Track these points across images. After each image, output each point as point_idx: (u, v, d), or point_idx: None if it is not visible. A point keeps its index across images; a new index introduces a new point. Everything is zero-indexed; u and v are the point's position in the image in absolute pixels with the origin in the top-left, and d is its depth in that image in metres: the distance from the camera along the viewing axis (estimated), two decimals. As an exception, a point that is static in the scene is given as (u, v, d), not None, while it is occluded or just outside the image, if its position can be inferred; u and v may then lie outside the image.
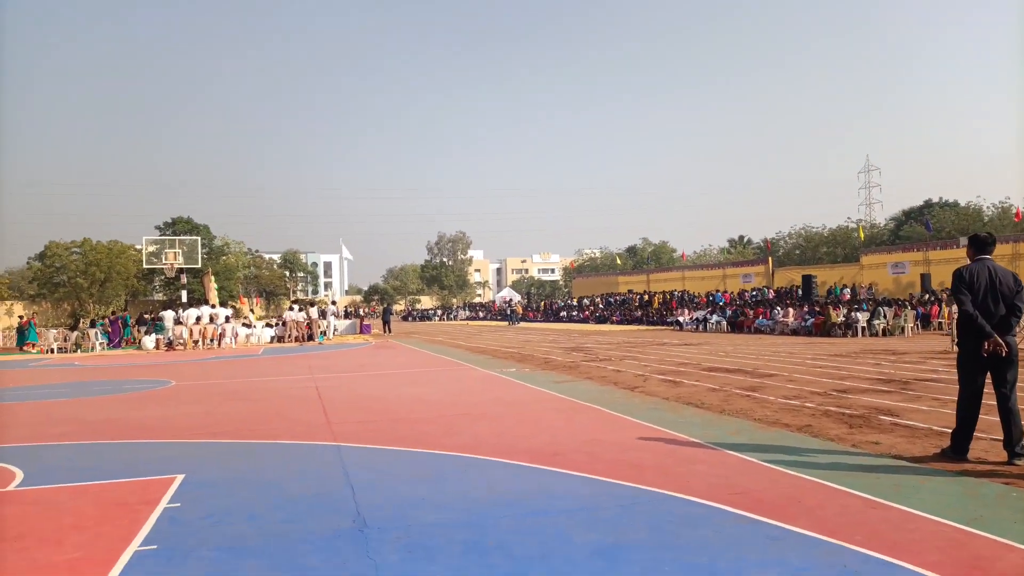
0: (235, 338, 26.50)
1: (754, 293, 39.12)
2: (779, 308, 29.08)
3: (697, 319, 32.24)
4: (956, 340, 6.04)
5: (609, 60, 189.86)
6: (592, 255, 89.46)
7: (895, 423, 7.42)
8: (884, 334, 23.83)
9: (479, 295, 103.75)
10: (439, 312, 71.25)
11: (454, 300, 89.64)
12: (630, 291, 53.02)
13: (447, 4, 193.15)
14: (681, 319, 33.56)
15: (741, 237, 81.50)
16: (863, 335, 23.54)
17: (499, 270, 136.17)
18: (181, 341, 25.42)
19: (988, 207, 54.26)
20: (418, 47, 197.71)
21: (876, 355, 15.71)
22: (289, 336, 27.97)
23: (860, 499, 4.71)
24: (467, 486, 5.37)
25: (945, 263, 38.09)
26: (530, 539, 4.13)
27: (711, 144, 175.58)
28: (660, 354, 17.46)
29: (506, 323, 46.75)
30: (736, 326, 29.52)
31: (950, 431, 6.75)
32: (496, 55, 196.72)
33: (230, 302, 42.06)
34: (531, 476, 5.64)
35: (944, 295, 31.33)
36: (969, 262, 5.98)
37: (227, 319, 26.95)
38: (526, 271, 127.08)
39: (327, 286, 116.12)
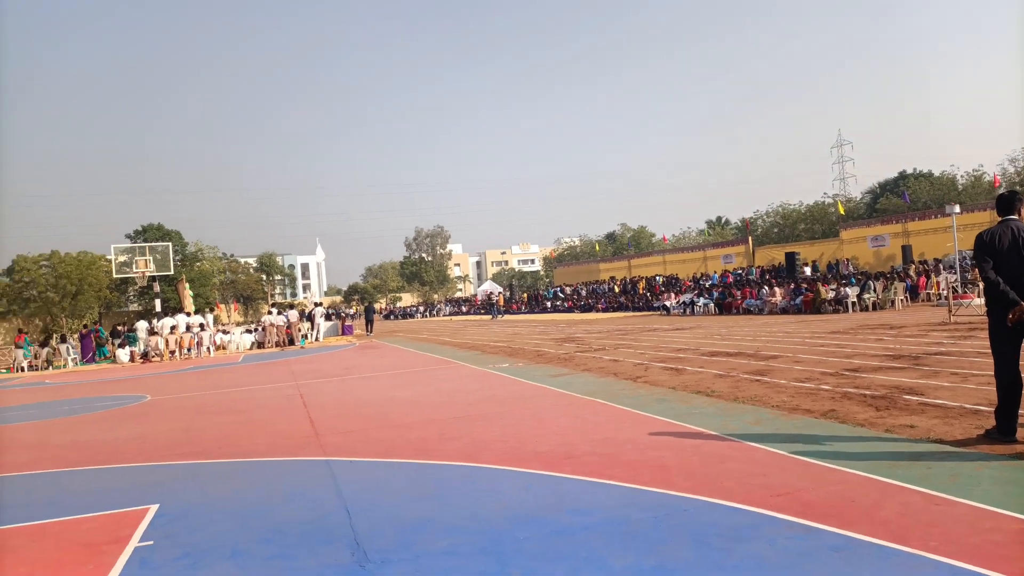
0: (213, 346, 25.67)
1: (738, 273, 38.84)
2: (766, 287, 28.79)
3: (684, 302, 31.90)
4: (987, 309, 5.57)
5: (575, 45, 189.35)
6: (572, 243, 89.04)
7: (923, 403, 6.96)
8: (874, 308, 23.60)
9: (460, 289, 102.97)
10: (421, 309, 70.49)
11: (435, 296, 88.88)
12: (612, 278, 52.67)
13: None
14: (668, 303, 33.20)
15: (719, 218, 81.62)
16: (853, 310, 23.29)
17: (479, 263, 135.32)
18: (156, 352, 24.54)
19: (961, 175, 54.64)
20: (385, 42, 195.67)
21: (874, 330, 15.37)
22: (269, 341, 27.17)
23: (919, 494, 4.22)
24: (476, 501, 4.81)
25: (925, 233, 38.11)
26: (559, 565, 3.57)
27: (683, 125, 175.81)
28: (654, 340, 17.00)
29: (489, 316, 46.17)
30: (724, 307, 29.20)
31: (985, 409, 6.35)
32: (464, 47, 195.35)
33: (207, 309, 41.07)
34: (546, 485, 5.08)
35: (928, 267, 31.24)
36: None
37: (203, 326, 26.09)
38: (506, 263, 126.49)
39: (305, 288, 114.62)
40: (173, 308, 37.66)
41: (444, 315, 63.08)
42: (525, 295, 61.14)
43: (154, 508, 5.20)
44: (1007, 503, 3.95)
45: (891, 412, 6.65)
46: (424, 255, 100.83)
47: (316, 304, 33.92)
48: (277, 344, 26.96)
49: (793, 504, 4.21)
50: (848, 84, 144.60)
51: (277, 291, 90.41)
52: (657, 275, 47.78)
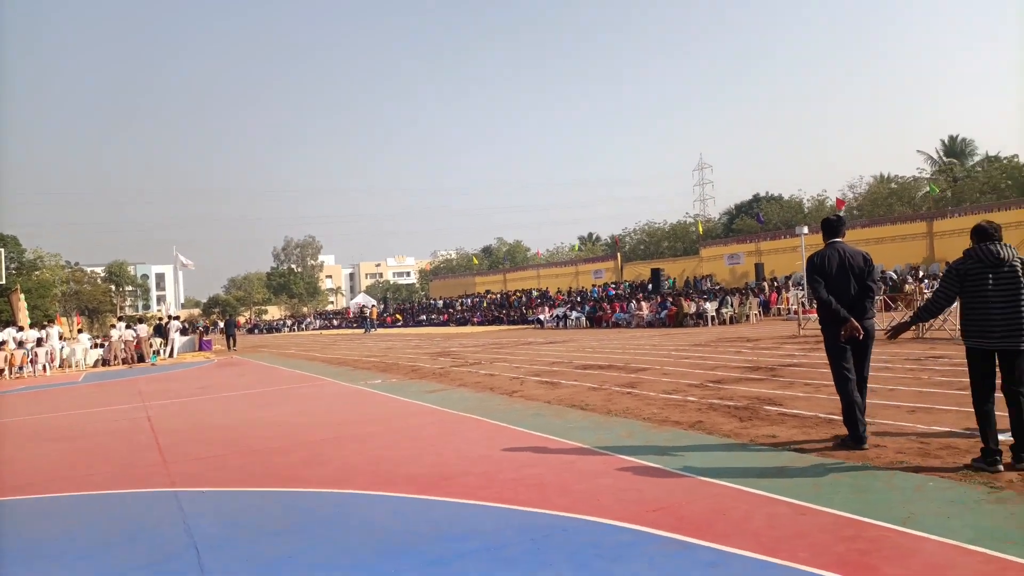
0: (51, 363, 23.23)
1: (610, 288, 40.12)
2: (634, 302, 29.89)
3: (557, 316, 32.51)
4: (821, 327, 5.96)
5: (447, 56, 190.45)
6: (448, 256, 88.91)
7: (783, 413, 7.31)
8: (731, 322, 25.06)
9: (332, 302, 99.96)
10: (289, 322, 67.70)
11: (305, 309, 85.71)
12: (488, 291, 52.97)
13: None
14: (542, 317, 33.73)
15: (590, 234, 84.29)
16: (713, 324, 24.60)
17: (352, 275, 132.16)
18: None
19: (808, 200, 59.59)
20: (251, 39, 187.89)
21: (733, 343, 16.23)
22: (116, 358, 24.96)
23: (786, 505, 4.33)
24: (344, 532, 4.46)
25: (775, 252, 41.14)
26: (433, 601, 3.33)
27: (557, 145, 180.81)
28: (530, 354, 17.09)
29: (362, 330, 45.02)
30: (595, 321, 30.02)
31: (838, 418, 6.73)
32: (337, 49, 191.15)
33: (44, 322, 37.26)
34: (420, 510, 4.82)
35: (779, 283, 33.67)
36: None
37: (39, 342, 23.56)
38: (381, 275, 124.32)
39: (160, 300, 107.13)
40: (4, 321, 33.93)
41: (314, 329, 60.89)
42: (395, 308, 60.22)
43: (-41, 557, 4.45)
44: (865, 510, 4.12)
45: (753, 423, 6.92)
46: (293, 266, 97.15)
47: (171, 317, 31.61)
48: (124, 361, 24.82)
49: (668, 519, 4.20)
50: (710, 110, 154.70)
51: (128, 303, 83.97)
52: (532, 289, 48.55)
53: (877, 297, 5.83)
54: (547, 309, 35.14)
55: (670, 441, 6.38)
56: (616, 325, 28.45)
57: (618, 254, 54.00)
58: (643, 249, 65.23)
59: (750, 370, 10.93)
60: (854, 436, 5.63)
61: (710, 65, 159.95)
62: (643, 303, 28.89)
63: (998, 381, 4.91)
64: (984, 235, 4.96)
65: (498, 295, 49.64)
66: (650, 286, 36.30)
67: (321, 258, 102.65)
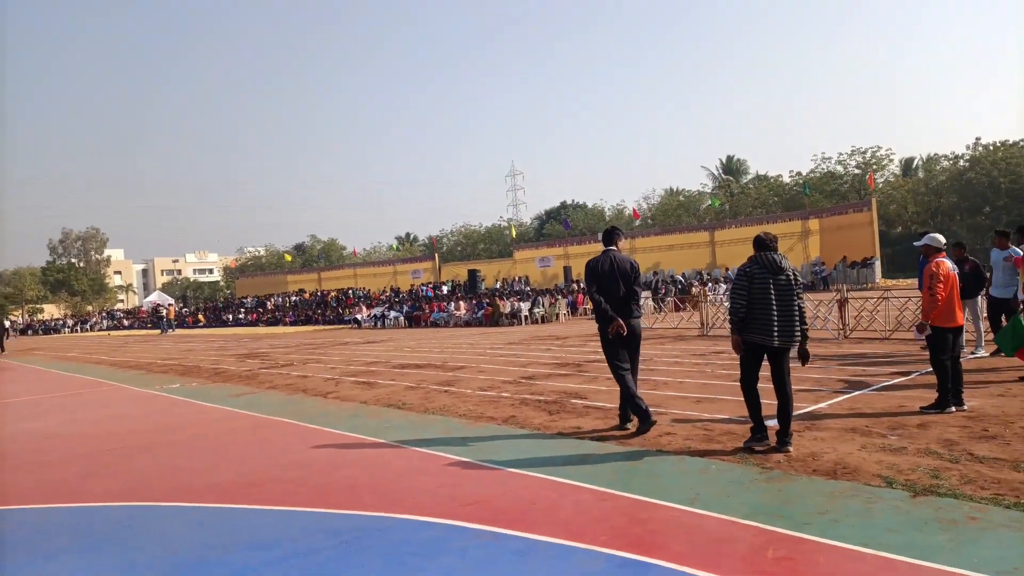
0: None
1: (424, 287, 40.21)
2: (452, 302, 30.22)
3: (375, 316, 32.02)
4: (597, 326, 6.57)
5: (262, 44, 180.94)
6: (256, 253, 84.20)
7: (587, 406, 7.77)
8: (543, 321, 26.16)
9: (121, 300, 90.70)
10: (71, 322, 60.50)
11: (89, 307, 77.01)
12: (301, 290, 50.91)
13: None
14: (359, 316, 33.04)
15: (408, 234, 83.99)
16: (526, 323, 25.55)
17: (146, 271, 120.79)
18: None
19: (609, 208, 63.87)
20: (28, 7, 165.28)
21: (543, 340, 16.96)
22: None
23: (590, 492, 4.62)
24: (134, 548, 4.08)
25: (581, 256, 43.51)
26: (237, 613, 3.16)
27: (373, 143, 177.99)
28: (346, 354, 16.67)
29: (159, 331, 41.34)
30: (413, 320, 29.96)
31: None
32: (138, 22, 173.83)
33: None
34: (222, 520, 4.54)
35: (583, 285, 35.64)
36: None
37: None
38: (179, 272, 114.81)
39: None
40: None
41: (101, 330, 54.93)
42: (201, 307, 56.04)
43: None
44: (657, 493, 4.51)
45: (561, 416, 7.29)
46: (74, 260, 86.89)
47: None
48: None
49: (482, 512, 4.31)
50: (522, 117, 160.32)
51: None
52: (348, 288, 47.37)
53: (642, 300, 6.60)
54: (364, 308, 34.50)
55: (485, 436, 6.54)
56: (434, 324, 28.60)
57: (436, 255, 54.31)
58: (460, 250, 66.27)
59: (559, 366, 11.49)
60: (641, 416, 6.18)
61: (523, 74, 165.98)
62: (460, 303, 29.32)
63: (764, 373, 5.59)
64: (763, 245, 5.60)
65: (315, 294, 47.88)
66: (466, 287, 36.90)
67: (108, 252, 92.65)
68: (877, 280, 31.01)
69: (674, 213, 56.31)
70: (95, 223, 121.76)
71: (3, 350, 27.46)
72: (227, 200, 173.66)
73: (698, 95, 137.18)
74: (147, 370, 15.83)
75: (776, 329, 5.39)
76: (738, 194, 55.89)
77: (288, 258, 72.99)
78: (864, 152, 49.62)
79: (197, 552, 3.96)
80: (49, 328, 59.35)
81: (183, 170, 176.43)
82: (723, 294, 23.69)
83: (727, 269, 34.75)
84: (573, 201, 68.82)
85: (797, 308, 5.45)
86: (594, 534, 3.84)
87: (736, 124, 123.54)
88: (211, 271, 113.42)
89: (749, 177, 61.54)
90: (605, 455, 5.61)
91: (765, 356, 5.57)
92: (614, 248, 6.55)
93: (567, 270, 38.58)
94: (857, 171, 49.49)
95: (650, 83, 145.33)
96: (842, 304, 13.50)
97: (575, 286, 33.65)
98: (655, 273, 35.46)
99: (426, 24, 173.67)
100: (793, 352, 5.57)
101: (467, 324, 27.24)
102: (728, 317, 6.05)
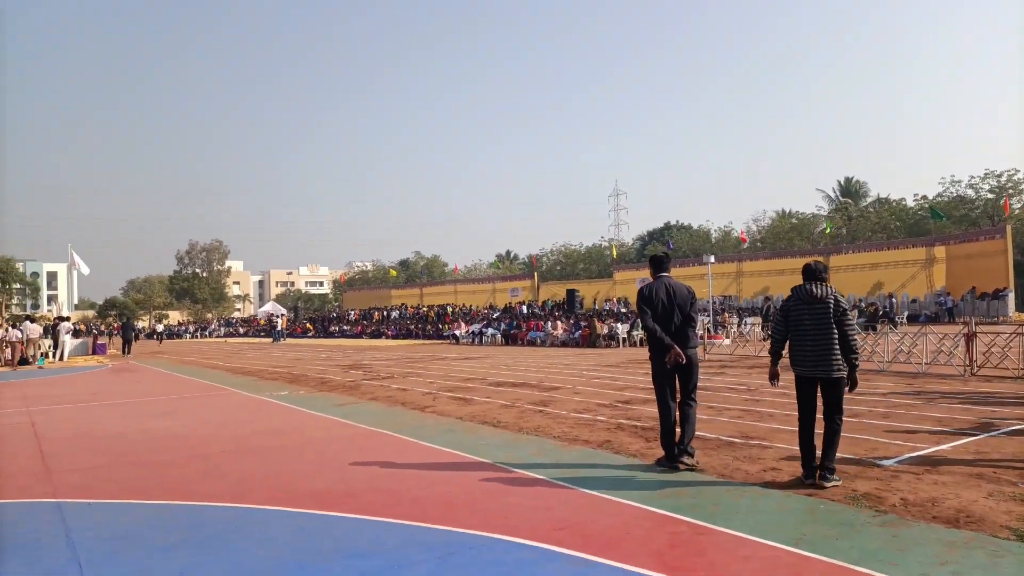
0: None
1: (528, 306, 40.44)
2: (549, 321, 30.23)
3: (473, 332, 32.48)
4: (649, 355, 6.29)
5: (384, 60, 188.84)
6: (364, 268, 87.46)
7: (686, 434, 7.52)
8: (642, 344, 25.69)
9: (239, 309, 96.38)
10: (192, 328, 64.79)
11: (209, 315, 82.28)
12: (404, 304, 52.40)
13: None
14: (458, 332, 33.61)
15: (508, 252, 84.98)
16: (624, 345, 25.17)
17: (262, 282, 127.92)
18: None
19: (715, 230, 62.17)
20: (165, 40, 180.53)
21: (642, 364, 16.63)
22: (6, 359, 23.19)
23: (687, 524, 4.45)
24: (241, 549, 4.27)
25: (684, 279, 42.39)
26: (332, 621, 3.23)
27: (474, 162, 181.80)
28: (443, 369, 16.97)
29: (271, 340, 43.57)
30: (510, 338, 30.16)
31: (738, 440, 7.02)
32: (256, 58, 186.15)
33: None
34: (321, 527, 4.67)
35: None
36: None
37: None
38: (292, 284, 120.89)
39: (51, 299, 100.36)
40: None
41: (218, 336, 58.49)
42: (309, 318, 58.64)
43: None
44: (758, 531, 4.28)
45: (658, 443, 7.06)
46: (198, 270, 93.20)
47: (61, 318, 29.66)
48: (7, 363, 23.09)
49: (574, 537, 4.24)
50: (628, 138, 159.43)
51: (15, 301, 78.34)
52: (448, 304, 48.33)
53: (699, 328, 6.33)
54: (463, 324, 35.08)
55: (579, 460, 6.46)
56: (531, 343, 28.69)
57: (535, 274, 54.61)
58: (559, 270, 66.30)
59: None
60: (669, 456, 5.95)
61: (629, 91, 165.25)
62: (558, 322, 29.28)
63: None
64: (809, 275, 5.57)
65: (415, 308, 49.15)
66: (565, 306, 36.82)
67: (229, 263, 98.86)
68: (1010, 314, 28.60)
69: (786, 236, 54.09)
70: (218, 236, 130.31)
71: (129, 352, 29.65)
72: (339, 216, 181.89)
73: (816, 112, 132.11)
74: (258, 377, 16.68)
75: (812, 359, 5.37)
76: (856, 217, 53.15)
77: (393, 273, 75.43)
78: (999, 175, 46.05)
79: (298, 557, 4.09)
80: (172, 333, 63.72)
81: (304, 186, 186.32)
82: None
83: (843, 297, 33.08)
84: (678, 222, 67.51)
85: (840, 337, 5.33)
86: (691, 569, 3.69)
87: (856, 144, 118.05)
88: (321, 284, 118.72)
89: (869, 200, 58.38)
90: (704, 487, 5.40)
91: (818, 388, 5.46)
92: (667, 275, 6.30)
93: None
94: (990, 196, 46.00)
95: (762, 99, 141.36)
96: (970, 338, 12.51)
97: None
98: (766, 299, 34.07)
99: (532, 40, 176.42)
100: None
101: (564, 344, 27.15)
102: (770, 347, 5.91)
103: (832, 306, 5.36)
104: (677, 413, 6.07)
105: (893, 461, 5.72)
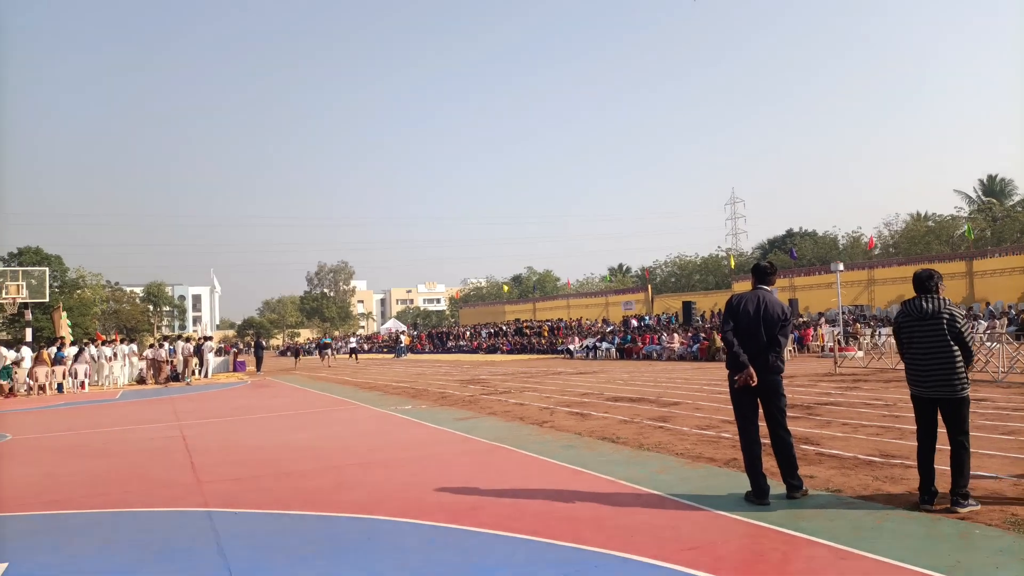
0: (88, 379, 23.72)
1: (644, 320, 39.83)
2: (665, 334, 29.61)
3: (587, 347, 32.32)
4: (728, 372, 5.73)
5: (482, 88, 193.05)
6: (478, 284, 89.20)
7: (820, 453, 7.16)
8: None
9: (363, 327, 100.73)
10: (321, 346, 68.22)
11: (336, 332, 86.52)
12: (517, 320, 52.94)
13: (311, 9, 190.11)
14: (572, 347, 33.55)
15: (620, 265, 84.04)
16: (746, 359, 24.25)
17: (383, 300, 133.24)
18: (27, 385, 22.40)
19: (842, 236, 58.79)
20: (285, 71, 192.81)
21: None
22: (153, 376, 25.40)
23: (825, 548, 4.22)
24: (375, 560, 4.45)
25: (809, 289, 40.53)
26: (465, 633, 3.30)
27: (584, 174, 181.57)
28: (559, 384, 17.00)
29: (392, 355, 45.23)
30: (625, 352, 29.78)
31: (878, 460, 6.59)
32: (373, 80, 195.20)
33: (84, 340, 38.13)
34: (451, 540, 4.79)
35: (812, 319, 33.08)
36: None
37: (77, 357, 24.09)
38: (411, 301, 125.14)
39: (196, 320, 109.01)
40: (48, 338, 34.76)
41: (344, 353, 61.36)
42: (426, 334, 60.38)
43: (2, 567, 4.54)
44: (907, 557, 4.00)
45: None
46: (326, 290, 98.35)
47: (205, 338, 32.10)
48: (153, 379, 25.24)
49: (704, 558, 4.12)
50: (743, 143, 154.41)
51: (164, 323, 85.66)
52: (561, 319, 48.37)
53: (785, 352, 5.68)
54: (577, 339, 34.98)
55: (704, 478, 6.28)
56: (647, 357, 28.20)
57: (648, 286, 53.69)
58: (674, 282, 64.80)
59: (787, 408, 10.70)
60: (755, 490, 5.37)
61: (743, 98, 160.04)
62: (675, 335, 28.62)
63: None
64: (918, 285, 5.23)
65: (527, 323, 49.56)
66: (680, 319, 35.96)
67: (353, 283, 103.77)
68: None
69: (922, 240, 50.35)
70: (345, 258, 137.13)
71: (260, 370, 31.48)
72: (455, 235, 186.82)
73: (953, 104, 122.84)
74: (383, 391, 17.35)
75: (927, 379, 5.07)
76: (1003, 218, 48.73)
77: (506, 289, 76.43)
78: None
79: (429, 568, 4.22)
80: (305, 350, 67.40)
81: (421, 206, 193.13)
82: (983, 332, 20.66)
83: (987, 304, 30.40)
84: (801, 229, 64.35)
85: (955, 354, 4.99)
86: (833, 597, 3.49)
87: (999, 139, 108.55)
88: (438, 300, 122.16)
89: (1017, 199, 53.39)
90: (843, 509, 5.10)
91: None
92: (767, 288, 5.73)
93: (793, 303, 36.09)
94: None
95: (889, 93, 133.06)
96: None
97: (801, 321, 31.39)
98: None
99: (638, 43, 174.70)
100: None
101: (681, 358, 26.49)
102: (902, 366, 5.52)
103: (947, 322, 4.99)
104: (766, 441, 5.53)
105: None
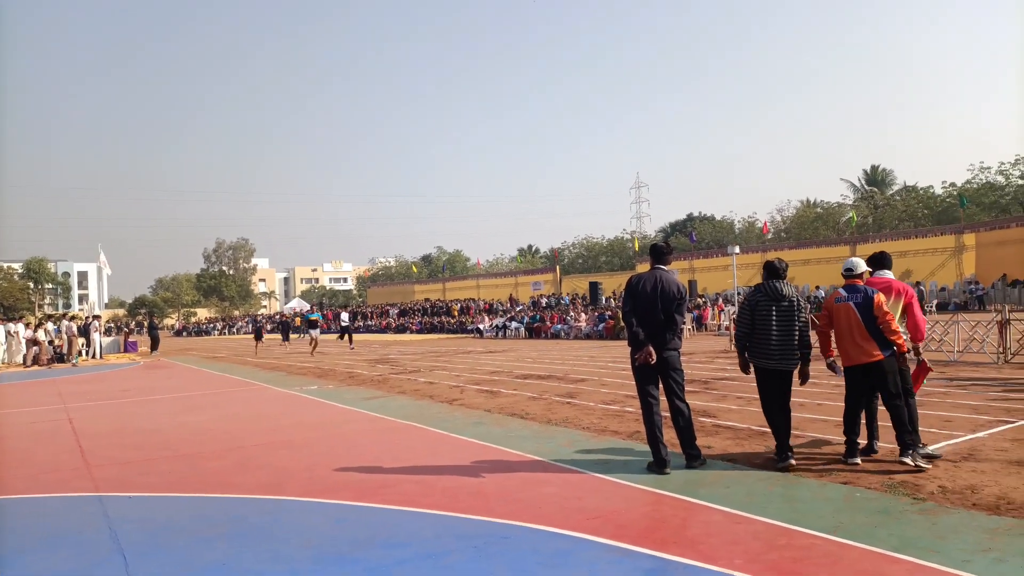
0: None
1: (549, 299, 40.40)
2: (572, 314, 30.20)
3: (497, 326, 32.55)
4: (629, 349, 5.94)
5: (402, 59, 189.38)
6: (387, 263, 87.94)
7: (716, 425, 7.51)
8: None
9: (265, 306, 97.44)
10: (219, 326, 65.63)
11: (236, 312, 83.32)
12: (427, 299, 52.64)
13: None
14: (481, 326, 33.71)
15: (530, 246, 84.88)
16: (649, 337, 25.10)
17: (287, 279, 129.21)
18: None
19: (739, 221, 61.57)
20: (176, 35, 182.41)
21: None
22: (35, 357, 23.70)
23: (721, 513, 4.45)
24: (279, 540, 4.35)
25: (707, 271, 42.31)
26: (374, 608, 3.28)
27: (498, 158, 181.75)
28: (469, 362, 17.05)
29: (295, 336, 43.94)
30: (534, 332, 30.19)
31: (766, 430, 6.97)
32: (274, 50, 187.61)
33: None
34: (357, 517, 4.74)
35: (708, 300, 34.55)
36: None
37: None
38: (317, 280, 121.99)
39: (82, 299, 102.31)
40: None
41: (246, 333, 59.21)
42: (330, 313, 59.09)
43: None
44: (796, 519, 4.27)
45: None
46: (225, 268, 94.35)
47: (92, 317, 30.21)
48: (35, 361, 23.59)
49: (609, 527, 4.26)
50: (648, 130, 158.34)
51: (47, 301, 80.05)
52: (472, 298, 48.44)
53: (682, 328, 5.89)
54: (486, 318, 35.17)
55: (609, 450, 6.47)
56: (555, 336, 28.70)
57: (557, 267, 54.52)
58: (581, 263, 66.11)
59: (685, 382, 11.16)
60: (657, 460, 5.56)
61: (647, 87, 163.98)
62: (582, 315, 29.24)
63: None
64: (772, 272, 5.82)
65: (437, 303, 49.35)
66: (588, 299, 36.75)
67: (254, 261, 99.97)
68: (1043, 300, 28.02)
69: (811, 226, 53.42)
70: (244, 234, 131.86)
71: (156, 350, 29.86)
72: (362, 213, 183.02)
73: (840, 100, 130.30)
74: (287, 372, 16.89)
75: (775, 353, 5.65)
76: (883, 206, 52.32)
77: (415, 268, 75.75)
78: (1031, 160, 45.07)
79: (335, 547, 4.16)
80: (200, 331, 64.62)
81: (326, 183, 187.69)
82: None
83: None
84: (700, 213, 66.94)
85: (798, 332, 5.67)
86: (728, 557, 3.69)
87: (882, 132, 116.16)
88: (346, 280, 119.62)
89: (896, 188, 57.42)
90: (736, 477, 5.39)
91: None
92: (663, 268, 5.90)
93: (692, 284, 37.56)
94: (1021, 182, 45.02)
95: (783, 88, 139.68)
96: (1003, 326, 12.30)
97: (699, 301, 32.69)
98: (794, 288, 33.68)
99: (549, 34, 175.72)
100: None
101: (587, 337, 27.12)
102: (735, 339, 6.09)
103: (794, 303, 5.67)
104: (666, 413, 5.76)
105: (930, 449, 5.65)
